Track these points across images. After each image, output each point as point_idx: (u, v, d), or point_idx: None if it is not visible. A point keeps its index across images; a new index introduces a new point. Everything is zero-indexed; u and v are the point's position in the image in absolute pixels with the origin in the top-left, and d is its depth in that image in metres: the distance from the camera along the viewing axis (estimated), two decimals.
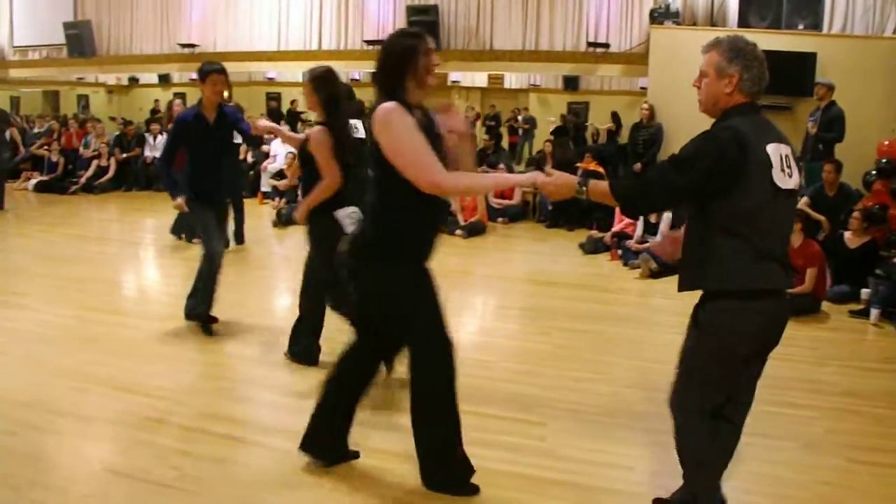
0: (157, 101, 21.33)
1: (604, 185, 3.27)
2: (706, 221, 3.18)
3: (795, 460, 4.28)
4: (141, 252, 9.97)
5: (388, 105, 3.43)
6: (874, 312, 7.33)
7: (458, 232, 10.97)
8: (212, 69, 6.07)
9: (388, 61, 3.56)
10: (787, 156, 3.15)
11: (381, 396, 4.85)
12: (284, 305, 7.27)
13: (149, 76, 20.89)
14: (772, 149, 3.10)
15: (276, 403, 4.95)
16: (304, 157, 5.26)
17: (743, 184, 3.05)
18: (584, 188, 3.29)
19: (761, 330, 3.24)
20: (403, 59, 3.52)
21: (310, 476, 3.98)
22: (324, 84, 5.24)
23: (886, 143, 9.69)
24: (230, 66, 16.66)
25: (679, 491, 3.60)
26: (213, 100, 6.11)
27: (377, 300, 3.69)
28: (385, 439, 4.37)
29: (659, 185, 3.18)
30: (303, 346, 5.60)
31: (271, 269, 9.39)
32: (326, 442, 4.04)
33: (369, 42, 15.22)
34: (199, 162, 6.17)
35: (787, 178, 3.11)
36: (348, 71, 18.93)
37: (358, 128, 6.31)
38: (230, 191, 7.81)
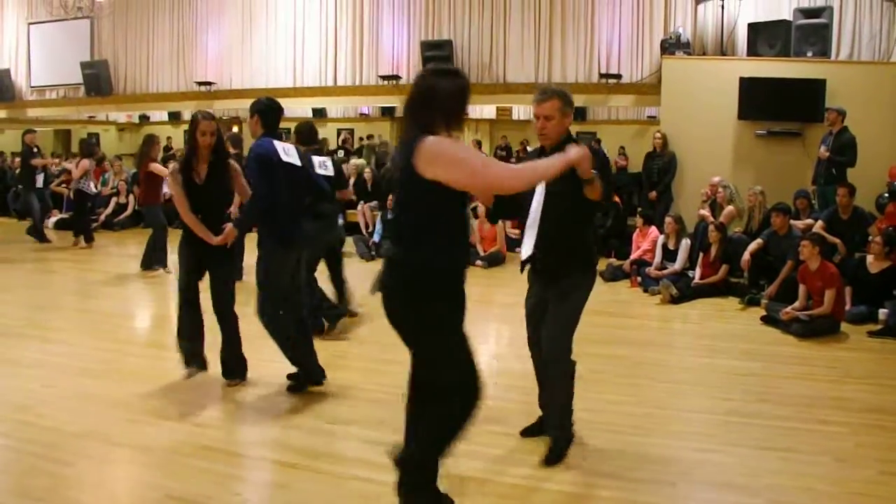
0: (168, 138, 21.58)
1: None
2: (582, 217, 4.48)
3: (828, 474, 4.42)
4: (166, 287, 10.15)
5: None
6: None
7: (479, 262, 11.16)
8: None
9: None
10: None
11: None
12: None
13: (160, 114, 21.16)
14: None
15: (323, 430, 5.10)
16: None
17: None
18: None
19: None
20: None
21: (365, 499, 4.14)
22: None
23: None
24: (246, 104, 17.04)
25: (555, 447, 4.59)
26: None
27: None
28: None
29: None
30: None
31: None
32: None
33: (384, 77, 15.49)
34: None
35: None
36: (359, 107, 19.26)
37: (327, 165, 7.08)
38: None
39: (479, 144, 19.28)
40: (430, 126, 3.47)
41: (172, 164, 5.73)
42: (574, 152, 3.67)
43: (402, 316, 3.68)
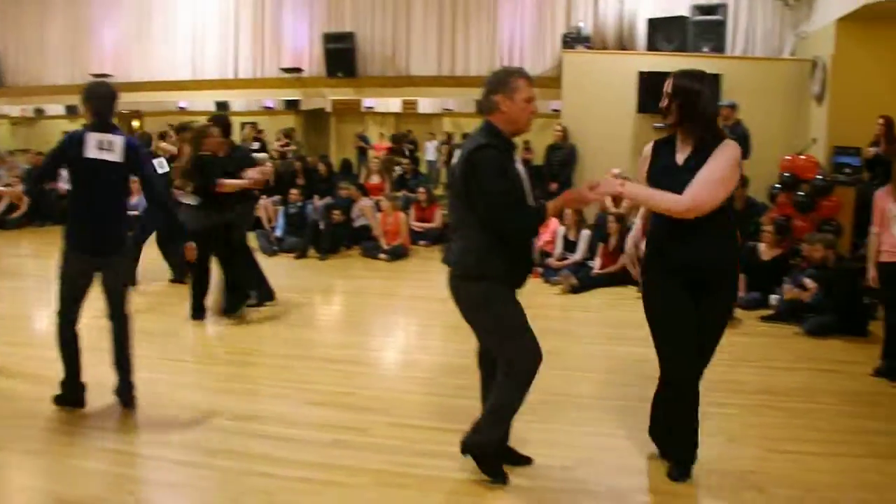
0: (65, 132, 20.94)
1: None
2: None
3: (721, 453, 4.59)
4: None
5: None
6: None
7: (382, 256, 11.12)
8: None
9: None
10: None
11: None
12: (212, 332, 7.42)
13: (56, 108, 20.46)
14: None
15: (223, 427, 5.03)
16: None
17: None
18: None
19: None
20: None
21: (262, 495, 4.10)
22: None
23: (789, 157, 10.19)
24: (145, 96, 16.68)
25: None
26: None
27: None
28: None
29: None
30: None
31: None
32: None
33: (286, 70, 15.31)
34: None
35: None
36: (262, 99, 19.00)
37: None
38: None
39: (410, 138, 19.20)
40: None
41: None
42: None
43: None
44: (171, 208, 5.83)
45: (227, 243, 7.72)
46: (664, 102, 3.97)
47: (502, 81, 3.91)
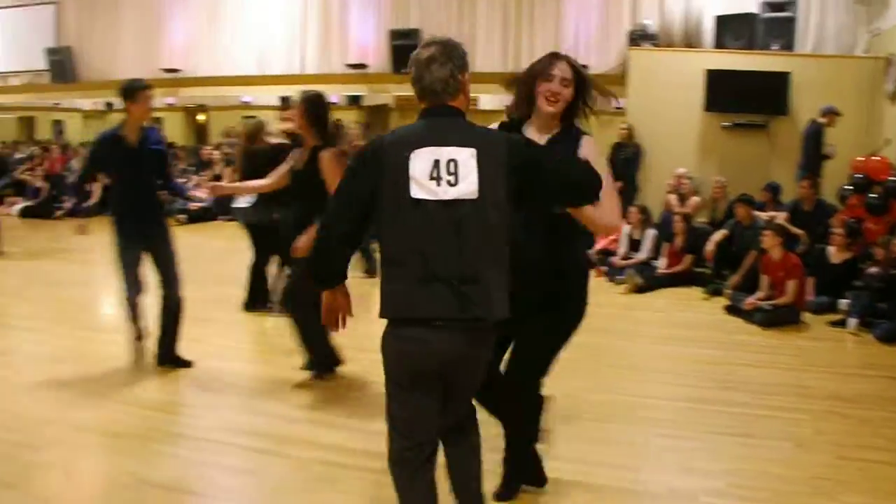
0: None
1: None
2: None
3: (788, 459, 4.53)
4: None
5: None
6: (852, 322, 7.60)
7: None
8: (143, 86, 5.51)
9: None
10: (447, 161, 2.74)
11: None
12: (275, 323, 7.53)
13: None
14: (422, 154, 2.75)
15: (289, 416, 5.13)
16: (307, 179, 5.37)
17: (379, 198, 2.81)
18: None
19: (398, 356, 2.93)
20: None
21: (328, 483, 4.18)
22: (314, 107, 5.44)
23: (861, 158, 10.00)
24: (213, 91, 16.87)
25: None
26: (141, 119, 5.66)
27: None
28: None
29: None
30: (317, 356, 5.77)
31: None
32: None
33: (352, 66, 15.43)
34: (122, 191, 5.76)
35: (434, 188, 2.72)
36: (329, 94, 19.15)
37: None
38: None
39: None
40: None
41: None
42: None
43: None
44: None
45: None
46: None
47: (464, 58, 2.91)
